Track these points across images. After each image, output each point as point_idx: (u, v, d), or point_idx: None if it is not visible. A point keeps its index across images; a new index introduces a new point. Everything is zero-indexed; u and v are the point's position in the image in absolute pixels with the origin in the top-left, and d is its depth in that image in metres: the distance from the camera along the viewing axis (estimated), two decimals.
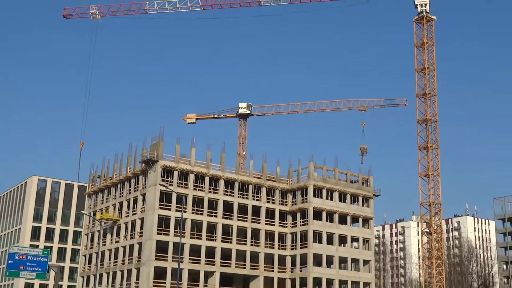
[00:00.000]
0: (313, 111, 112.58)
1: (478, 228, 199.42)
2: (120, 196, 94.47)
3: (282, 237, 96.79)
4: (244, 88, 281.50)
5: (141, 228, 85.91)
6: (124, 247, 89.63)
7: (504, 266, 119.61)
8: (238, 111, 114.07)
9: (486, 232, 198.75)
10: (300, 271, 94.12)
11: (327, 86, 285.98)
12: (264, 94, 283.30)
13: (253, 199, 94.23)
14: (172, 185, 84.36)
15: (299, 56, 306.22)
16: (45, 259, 67.76)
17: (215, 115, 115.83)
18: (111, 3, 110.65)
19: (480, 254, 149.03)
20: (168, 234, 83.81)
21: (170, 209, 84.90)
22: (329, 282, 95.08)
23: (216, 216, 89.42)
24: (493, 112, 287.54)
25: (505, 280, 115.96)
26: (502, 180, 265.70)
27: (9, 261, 65.37)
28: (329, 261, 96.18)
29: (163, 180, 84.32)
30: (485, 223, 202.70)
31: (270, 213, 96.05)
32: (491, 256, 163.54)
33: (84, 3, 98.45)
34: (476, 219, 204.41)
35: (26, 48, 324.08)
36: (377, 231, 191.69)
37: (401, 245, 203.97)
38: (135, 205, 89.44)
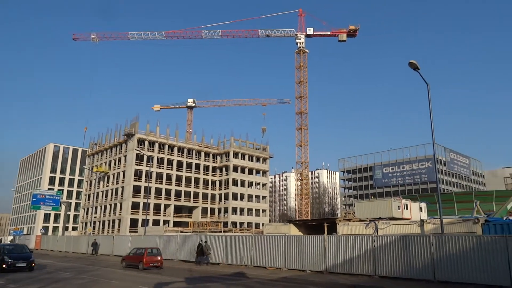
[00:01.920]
0: (235, 105, 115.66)
1: (329, 176, 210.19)
2: (109, 157, 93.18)
3: (213, 182, 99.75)
4: (191, 87, 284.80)
5: (123, 177, 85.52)
6: (112, 190, 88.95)
7: (343, 198, 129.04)
8: (187, 104, 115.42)
9: (334, 179, 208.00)
10: (224, 203, 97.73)
11: (245, 89, 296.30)
12: (205, 92, 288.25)
13: (196, 159, 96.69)
14: (143, 150, 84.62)
15: (229, 68, 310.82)
16: (58, 198, 69.12)
17: (172, 106, 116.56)
18: (106, 31, 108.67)
19: (330, 192, 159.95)
20: (140, 181, 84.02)
21: (142, 165, 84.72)
22: (241, 209, 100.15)
23: (171, 169, 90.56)
24: (340, 106, 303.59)
25: (343, 206, 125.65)
26: (345, 145, 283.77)
27: (33, 199, 66.40)
28: (242, 196, 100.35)
29: (138, 147, 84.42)
30: (333, 173, 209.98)
31: (206, 168, 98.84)
32: (336, 192, 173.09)
33: (86, 29, 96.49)
34: (328, 171, 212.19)
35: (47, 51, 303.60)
36: (270, 178, 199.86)
37: (285, 187, 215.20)
38: (119, 163, 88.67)
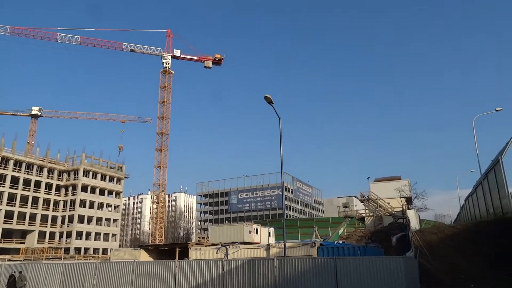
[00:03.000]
0: (91, 119, 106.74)
1: (187, 200, 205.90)
2: None
3: (57, 202, 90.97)
4: (38, 93, 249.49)
5: None
6: None
7: (199, 223, 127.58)
8: (31, 112, 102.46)
9: (191, 203, 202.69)
10: (68, 226, 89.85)
11: (104, 103, 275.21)
12: (56, 101, 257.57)
13: (37, 175, 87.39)
14: None
15: (86, 77, 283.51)
16: None
17: (12, 112, 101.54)
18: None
19: (186, 216, 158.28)
20: None
21: None
22: (88, 234, 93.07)
23: (3, 186, 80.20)
24: (201, 129, 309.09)
25: (199, 231, 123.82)
26: (204, 169, 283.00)
27: None
28: (90, 219, 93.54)
29: None
30: (191, 197, 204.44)
31: (48, 186, 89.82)
32: (192, 217, 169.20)
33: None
34: (186, 194, 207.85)
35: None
36: (124, 200, 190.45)
37: (139, 210, 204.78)
38: None
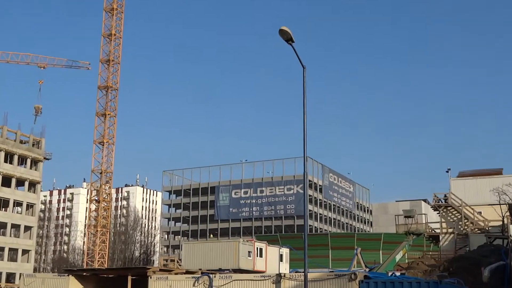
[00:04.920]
0: None
1: (147, 199, 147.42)
2: None
3: None
4: None
5: None
6: None
7: (166, 236, 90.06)
8: None
9: (153, 203, 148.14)
10: None
11: (12, 36, 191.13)
12: None
13: None
14: None
15: None
16: None
17: None
18: None
19: (145, 224, 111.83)
20: None
21: None
22: None
23: None
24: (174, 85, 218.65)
25: (165, 249, 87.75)
26: (172, 155, 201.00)
27: None
28: None
29: None
30: (153, 194, 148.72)
31: None
32: (155, 226, 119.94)
33: None
34: (145, 189, 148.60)
35: None
36: (44, 196, 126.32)
37: (68, 212, 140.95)
38: None
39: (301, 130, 15.44)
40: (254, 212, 78.35)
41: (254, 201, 78.53)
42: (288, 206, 77.07)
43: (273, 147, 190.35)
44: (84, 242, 72.14)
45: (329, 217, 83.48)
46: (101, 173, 63.42)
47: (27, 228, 65.29)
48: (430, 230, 41.84)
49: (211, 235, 74.97)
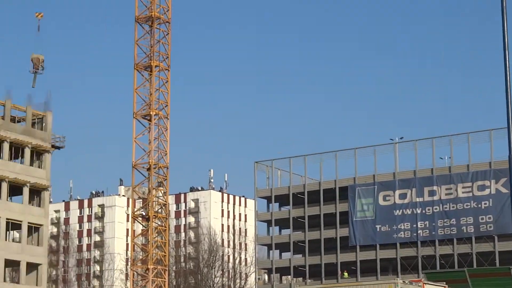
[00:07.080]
0: None
1: (229, 211, 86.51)
2: None
3: None
4: None
5: None
6: None
7: (265, 276, 57.12)
8: None
9: (240, 218, 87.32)
10: None
11: None
12: None
13: None
14: None
15: None
16: None
17: None
18: None
19: (229, 255, 70.89)
20: None
21: None
22: None
23: None
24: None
25: None
26: (264, 136, 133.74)
27: None
28: None
29: None
30: (239, 203, 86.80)
31: None
32: (246, 258, 75.01)
33: None
34: (225, 195, 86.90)
35: None
36: (55, 211, 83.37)
37: (98, 238, 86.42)
38: None
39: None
40: (419, 231, 49.24)
41: (419, 211, 48.94)
42: (482, 218, 48.30)
43: (443, 118, 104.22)
44: (129, 285, 43.41)
45: None
46: (148, 169, 35.99)
47: (32, 268, 38.41)
48: None
49: (345, 273, 49.57)
